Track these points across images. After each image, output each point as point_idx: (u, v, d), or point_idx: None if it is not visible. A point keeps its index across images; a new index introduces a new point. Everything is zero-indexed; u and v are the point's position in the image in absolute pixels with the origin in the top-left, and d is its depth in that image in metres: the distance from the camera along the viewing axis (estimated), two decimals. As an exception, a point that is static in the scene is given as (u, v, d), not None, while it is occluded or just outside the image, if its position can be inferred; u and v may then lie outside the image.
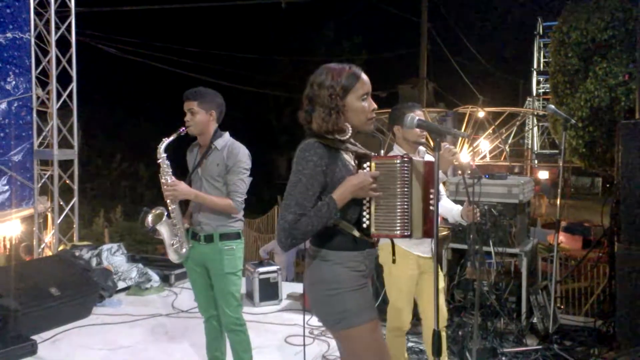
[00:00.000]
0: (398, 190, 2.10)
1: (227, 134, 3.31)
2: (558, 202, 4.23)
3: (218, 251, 3.23)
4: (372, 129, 2.25)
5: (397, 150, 3.23)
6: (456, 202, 3.52)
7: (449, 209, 3.43)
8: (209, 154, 3.25)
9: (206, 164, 3.25)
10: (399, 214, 2.10)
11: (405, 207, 2.10)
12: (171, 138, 3.23)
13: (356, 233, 2.15)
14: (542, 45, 18.78)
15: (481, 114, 13.37)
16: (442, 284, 3.48)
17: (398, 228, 2.10)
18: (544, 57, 19.13)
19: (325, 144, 2.12)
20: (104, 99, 20.24)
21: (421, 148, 3.32)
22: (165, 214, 3.25)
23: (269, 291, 5.29)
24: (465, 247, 4.22)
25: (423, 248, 3.27)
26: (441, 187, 3.46)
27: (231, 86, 16.01)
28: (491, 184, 4.21)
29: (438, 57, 19.98)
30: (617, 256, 3.68)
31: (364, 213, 2.14)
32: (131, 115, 22.60)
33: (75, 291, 4.94)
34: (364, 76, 2.21)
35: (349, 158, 2.20)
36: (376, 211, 2.12)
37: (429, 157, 3.34)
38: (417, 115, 2.97)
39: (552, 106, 3.75)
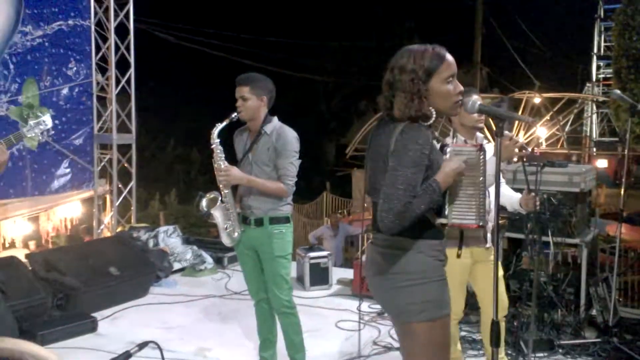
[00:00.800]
0: (476, 179, 2.09)
1: (275, 119, 3.32)
2: (622, 191, 4.07)
3: (268, 235, 3.26)
4: (459, 111, 2.17)
5: (456, 137, 3.16)
6: (514, 190, 3.43)
7: (508, 196, 3.34)
8: (259, 139, 3.27)
9: (256, 149, 3.27)
10: (475, 203, 2.09)
11: (481, 197, 2.09)
12: (224, 123, 3.26)
13: (438, 221, 2.10)
14: (602, 29, 17.97)
15: (537, 99, 12.96)
16: (500, 272, 3.40)
17: (474, 217, 2.09)
18: (605, 40, 18.30)
19: (425, 126, 2.06)
20: (159, 85, 20.70)
21: (479, 134, 3.24)
22: (219, 198, 3.29)
23: (320, 276, 5.32)
24: (522, 236, 4.11)
25: (477, 237, 3.20)
26: None
27: (281, 72, 16.06)
28: (551, 172, 4.07)
29: (492, 41, 19.48)
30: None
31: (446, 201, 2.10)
32: (185, 101, 23.03)
33: (133, 271, 5.11)
34: (449, 57, 2.08)
35: (436, 143, 2.15)
36: (455, 200, 2.10)
37: (487, 145, 3.25)
38: (475, 99, 2.91)
39: (618, 91, 3.59)
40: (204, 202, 3.33)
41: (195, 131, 20.84)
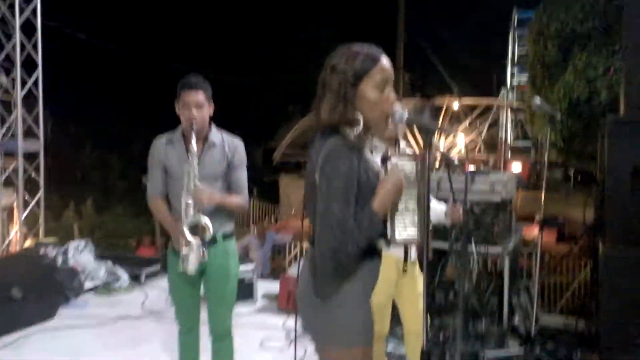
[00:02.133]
0: (417, 192, 1.98)
1: (213, 125, 3.06)
2: (542, 197, 4.14)
3: (223, 252, 3.02)
4: (388, 127, 1.99)
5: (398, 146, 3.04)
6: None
7: (432, 208, 3.28)
8: (207, 151, 2.97)
9: (204, 162, 2.96)
10: (418, 218, 1.97)
11: (424, 210, 1.95)
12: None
13: (381, 243, 1.94)
14: (517, 36, 18.75)
15: (456, 105, 13.30)
16: (421, 286, 3.33)
17: (418, 234, 1.98)
18: (519, 48, 19.10)
19: (351, 144, 1.86)
20: (75, 87, 19.69)
21: (402, 141, 3.16)
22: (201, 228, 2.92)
23: (244, 292, 5.10)
24: (446, 246, 4.09)
25: (402, 251, 3.12)
26: None
27: (205, 74, 15.63)
28: (474, 180, 4.08)
29: (413, 46, 19.90)
30: (603, 255, 3.59)
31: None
32: (103, 104, 22.05)
33: (38, 292, 4.70)
34: (385, 60, 1.91)
35: (371, 157, 1.95)
36: (396, 217, 1.95)
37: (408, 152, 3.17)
38: (402, 110, 2.81)
39: (538, 101, 3.62)
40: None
41: (114, 135, 19.98)
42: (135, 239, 12.52)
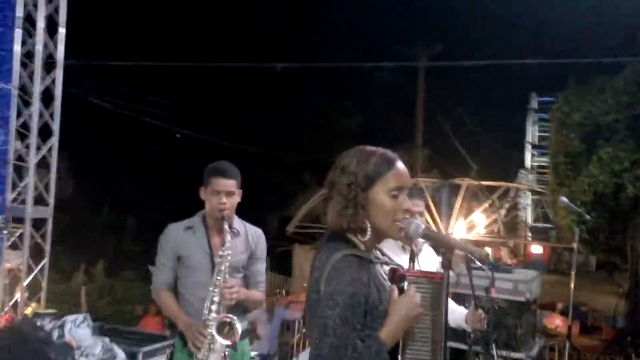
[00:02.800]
0: (435, 317, 1.71)
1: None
2: (572, 286, 3.84)
3: (241, 353, 2.80)
4: (401, 236, 1.74)
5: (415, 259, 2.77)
6: (455, 297, 3.12)
7: (451, 310, 3.02)
8: (232, 240, 2.77)
9: (230, 253, 2.76)
10: (432, 348, 1.71)
11: (441, 339, 1.71)
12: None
13: None
14: (537, 119, 18.82)
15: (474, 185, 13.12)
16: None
17: None
18: (539, 131, 19.16)
19: (358, 256, 1.66)
20: (95, 150, 20.02)
21: (420, 240, 2.95)
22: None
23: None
24: (464, 346, 3.79)
25: None
26: None
27: (219, 144, 15.69)
28: (495, 278, 3.81)
29: (431, 122, 20.01)
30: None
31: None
32: (122, 167, 22.32)
33: (27, 370, 4.44)
34: (400, 165, 1.77)
35: (380, 272, 1.74)
36: (408, 345, 1.70)
37: (428, 251, 2.95)
38: (417, 207, 2.61)
39: (565, 199, 3.42)
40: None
41: (130, 197, 20.07)
42: (142, 308, 12.26)
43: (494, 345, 3.58)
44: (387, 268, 1.72)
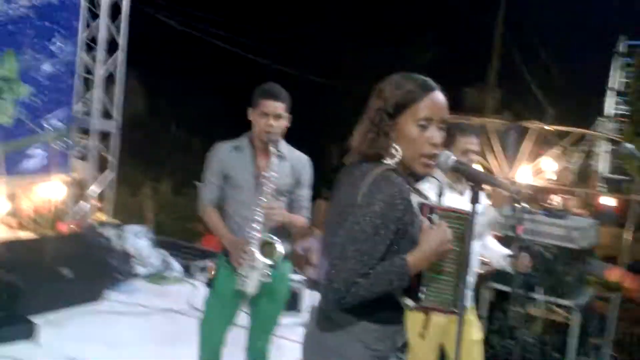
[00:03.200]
0: (460, 253, 1.66)
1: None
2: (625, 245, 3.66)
3: (280, 275, 2.83)
4: (428, 171, 1.65)
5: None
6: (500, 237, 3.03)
7: (494, 251, 2.94)
8: (277, 163, 2.75)
9: (275, 175, 2.75)
10: (454, 284, 1.68)
11: (464, 276, 1.68)
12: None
13: (407, 302, 1.66)
14: (624, 65, 17.55)
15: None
16: (479, 335, 2.98)
17: (451, 302, 1.69)
18: (625, 77, 17.89)
19: (399, 173, 1.61)
20: (166, 69, 20.35)
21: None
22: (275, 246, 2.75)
23: (289, 302, 4.90)
24: (507, 289, 3.71)
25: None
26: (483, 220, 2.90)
27: (287, 71, 15.54)
28: (547, 223, 3.66)
29: (507, 62, 19.06)
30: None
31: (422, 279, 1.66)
32: (192, 88, 22.69)
33: (88, 272, 4.73)
34: (436, 95, 1.64)
35: (413, 200, 1.66)
36: (432, 279, 1.66)
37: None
38: (470, 145, 2.49)
39: (629, 145, 3.17)
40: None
41: (198, 119, 20.47)
42: (203, 225, 12.66)
43: (538, 289, 3.50)
44: (416, 200, 1.65)
